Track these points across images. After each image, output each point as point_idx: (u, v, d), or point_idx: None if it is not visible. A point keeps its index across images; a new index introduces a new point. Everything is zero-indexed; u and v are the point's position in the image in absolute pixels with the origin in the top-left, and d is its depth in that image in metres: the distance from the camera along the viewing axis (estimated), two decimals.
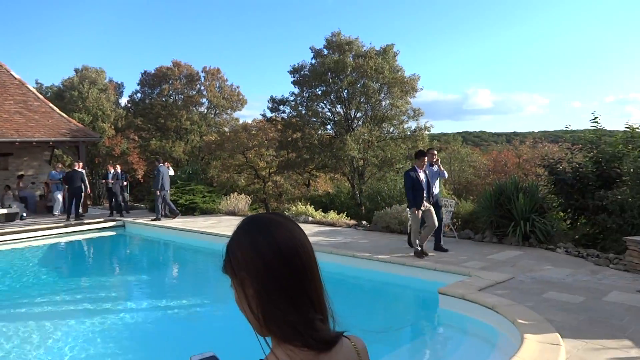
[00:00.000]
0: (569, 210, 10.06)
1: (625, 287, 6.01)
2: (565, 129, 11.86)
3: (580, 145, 10.59)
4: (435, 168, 8.67)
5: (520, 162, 27.85)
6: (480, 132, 75.13)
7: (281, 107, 24.51)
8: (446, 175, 9.13)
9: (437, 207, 8.46)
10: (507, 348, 4.32)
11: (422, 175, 8.00)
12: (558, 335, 4.29)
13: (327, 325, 1.01)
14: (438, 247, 8.52)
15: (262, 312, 0.96)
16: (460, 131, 70.29)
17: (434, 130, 26.54)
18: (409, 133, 23.45)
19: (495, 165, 30.09)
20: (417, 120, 23.42)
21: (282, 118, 24.54)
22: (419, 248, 7.87)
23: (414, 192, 7.83)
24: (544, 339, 4.19)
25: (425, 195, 7.93)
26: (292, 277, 0.97)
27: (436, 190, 8.52)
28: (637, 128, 9.84)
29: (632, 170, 8.39)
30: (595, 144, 9.99)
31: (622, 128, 10.40)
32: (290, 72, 24.15)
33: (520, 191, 9.36)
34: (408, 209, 7.95)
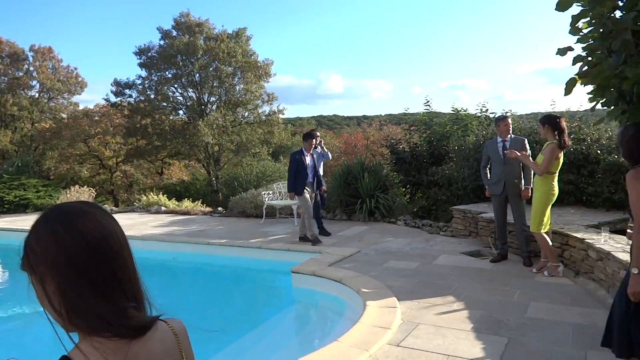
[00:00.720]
0: (408, 185, 11.09)
1: (451, 251, 6.85)
2: (405, 111, 12.94)
3: (416, 127, 11.72)
4: (319, 149, 8.43)
5: (369, 143, 29.79)
6: (334, 115, 78.63)
7: (127, 91, 22.79)
8: (330, 156, 8.83)
9: (324, 192, 8.34)
10: (352, 316, 4.63)
11: (308, 159, 7.77)
12: (395, 299, 4.74)
13: (143, 312, 0.99)
14: (322, 232, 8.22)
15: (65, 307, 0.90)
16: (315, 115, 72.79)
17: (289, 115, 27.17)
18: (264, 117, 23.60)
19: (346, 147, 31.82)
20: (271, 104, 23.67)
21: (129, 103, 22.83)
22: (314, 233, 7.66)
23: (297, 175, 7.60)
24: (383, 304, 4.59)
25: (310, 180, 7.76)
26: (100, 268, 0.93)
27: (320, 172, 8.27)
28: (461, 110, 11.18)
29: (456, 147, 9.52)
30: (428, 125, 11.12)
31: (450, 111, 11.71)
32: (136, 53, 22.56)
33: (365, 171, 10.06)
34: (297, 196, 7.68)
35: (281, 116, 24.62)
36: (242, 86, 22.83)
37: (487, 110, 11.07)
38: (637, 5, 2.04)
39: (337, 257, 6.56)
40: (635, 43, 2.18)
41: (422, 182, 10.58)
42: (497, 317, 4.28)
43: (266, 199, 10.13)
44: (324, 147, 8.66)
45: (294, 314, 5.63)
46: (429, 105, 11.60)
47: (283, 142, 26.42)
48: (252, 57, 22.95)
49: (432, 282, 5.42)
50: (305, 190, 7.68)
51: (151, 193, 14.10)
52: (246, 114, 23.78)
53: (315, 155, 7.97)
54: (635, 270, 2.44)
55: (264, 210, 10.15)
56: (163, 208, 12.59)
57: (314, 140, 7.81)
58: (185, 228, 9.81)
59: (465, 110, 11.20)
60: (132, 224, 10.39)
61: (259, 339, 5.01)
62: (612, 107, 2.81)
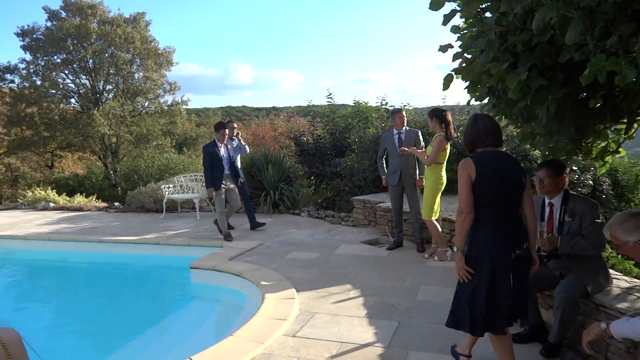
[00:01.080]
0: (312, 177, 11.24)
1: (351, 240, 7.04)
2: (309, 104, 13.11)
3: (319, 119, 11.89)
4: (236, 142, 8.03)
5: (276, 135, 29.78)
6: (243, 106, 77.39)
7: (8, 76, 20.69)
8: (247, 149, 8.47)
9: (241, 183, 7.74)
10: (252, 309, 4.57)
11: (222, 151, 7.26)
12: (294, 290, 4.77)
13: None
14: (255, 225, 7.92)
15: None
16: (224, 106, 71.20)
17: (197, 105, 26.47)
18: (166, 107, 22.63)
19: (254, 138, 31.56)
20: (174, 94, 22.74)
21: (11, 89, 20.74)
22: (228, 230, 7.28)
23: (213, 170, 7.11)
24: (282, 295, 4.61)
25: (227, 172, 7.32)
26: None
27: (238, 165, 7.75)
28: (362, 103, 11.52)
29: (357, 139, 9.79)
30: (330, 118, 11.33)
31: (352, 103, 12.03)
32: (18, 34, 20.50)
33: (269, 163, 10.01)
34: (207, 189, 7.22)
35: (186, 107, 23.78)
36: (141, 74, 21.67)
37: (387, 103, 11.53)
38: (500, 8, 2.19)
39: (239, 250, 6.47)
40: (499, 43, 2.35)
41: (325, 173, 10.77)
42: (390, 302, 4.47)
43: (166, 193, 9.72)
44: (241, 140, 8.31)
45: (193, 311, 5.46)
46: (331, 98, 11.82)
47: (187, 134, 25.54)
48: (152, 44, 21.86)
49: (331, 271, 5.53)
50: (222, 186, 7.23)
51: (38, 188, 12.94)
52: (146, 103, 22.67)
53: (230, 147, 7.53)
54: (456, 250, 2.78)
55: (164, 205, 9.74)
56: (52, 204, 11.60)
57: (226, 130, 7.33)
58: (76, 225, 9.12)
59: (366, 103, 11.56)
60: (14, 223, 9.46)
61: (155, 338, 4.81)
62: (485, 102, 3.02)
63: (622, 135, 3.67)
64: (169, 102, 22.79)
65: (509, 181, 2.78)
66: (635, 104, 2.01)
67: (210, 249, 6.71)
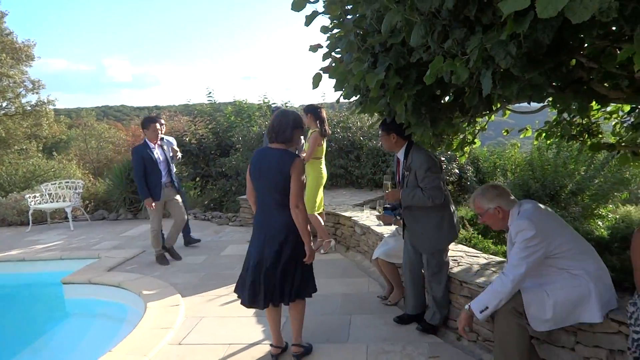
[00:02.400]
0: (197, 178, 10.93)
1: (239, 240, 6.99)
2: (188, 102, 12.71)
3: (201, 118, 11.57)
4: (169, 142, 6.54)
5: None
6: (122, 106, 72.90)
7: None
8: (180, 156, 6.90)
9: (180, 191, 6.32)
10: (135, 320, 4.35)
11: (157, 152, 5.86)
12: (179, 296, 4.63)
13: None
14: (190, 241, 6.84)
15: None
16: (100, 105, 66.41)
17: (67, 105, 24.16)
18: (29, 108, 20.47)
19: (134, 140, 29.78)
20: (38, 93, 20.63)
21: None
22: (163, 251, 6.05)
23: (149, 176, 5.73)
24: (166, 303, 4.44)
25: (164, 179, 5.89)
26: None
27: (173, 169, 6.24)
28: (242, 102, 11.44)
29: (241, 138, 9.71)
30: (213, 117, 11.09)
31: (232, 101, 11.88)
32: None
33: None
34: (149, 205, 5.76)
35: (53, 107, 21.68)
36: None
37: (269, 101, 11.57)
38: (357, 12, 2.32)
39: (119, 260, 6.10)
40: (360, 44, 2.48)
41: (211, 174, 10.54)
42: None
43: (32, 203, 8.82)
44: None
45: (67, 329, 5.02)
46: (211, 96, 11.59)
47: (57, 136, 23.37)
48: (9, 37, 19.61)
49: (219, 273, 5.45)
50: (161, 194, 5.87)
51: None
52: (4, 103, 20.29)
53: (166, 147, 6.12)
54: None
55: (29, 217, 8.83)
56: None
57: (157, 124, 5.88)
58: None
59: (246, 101, 11.50)
60: None
61: None
62: (352, 100, 3.17)
63: (476, 128, 4.10)
64: (33, 102, 20.64)
65: (267, 173, 3.12)
66: (474, 100, 2.25)
67: (85, 261, 6.25)
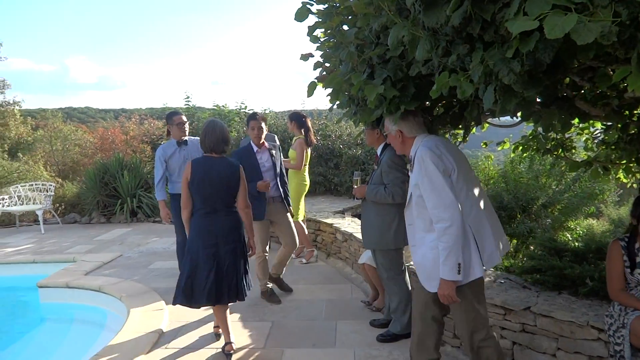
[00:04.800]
0: None
1: None
2: (164, 106, 12.58)
3: None
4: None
5: (128, 139, 27.90)
6: (87, 108, 71.16)
7: None
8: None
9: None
10: (115, 325, 4.30)
11: (263, 157, 4.57)
12: (163, 301, 4.58)
13: None
14: None
15: None
16: (64, 107, 64.72)
17: (30, 106, 23.43)
18: None
19: (102, 142, 29.05)
20: (2, 93, 19.99)
21: None
22: (269, 285, 4.70)
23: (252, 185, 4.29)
24: (149, 308, 4.40)
25: (273, 193, 4.59)
26: None
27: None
28: (222, 107, 11.42)
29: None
30: (190, 121, 11.01)
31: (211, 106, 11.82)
32: None
33: (125, 169, 9.40)
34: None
35: (19, 107, 21.01)
36: None
37: (247, 107, 11.58)
38: (357, 23, 2.41)
39: (96, 264, 5.99)
40: (357, 54, 2.57)
41: None
42: (263, 304, 4.54)
43: (0, 206, 8.55)
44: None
45: (43, 335, 4.89)
46: (189, 100, 11.52)
47: (22, 137, 22.65)
48: None
49: None
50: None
51: None
52: None
53: (275, 152, 4.76)
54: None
55: None
56: None
57: (260, 124, 4.53)
58: None
59: (225, 106, 11.48)
60: None
61: None
62: (346, 109, 3.26)
63: (459, 140, 4.25)
64: None
65: (218, 181, 3.36)
66: (474, 113, 2.37)
67: (60, 265, 6.12)
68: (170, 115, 5.01)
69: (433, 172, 2.38)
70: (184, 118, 5.05)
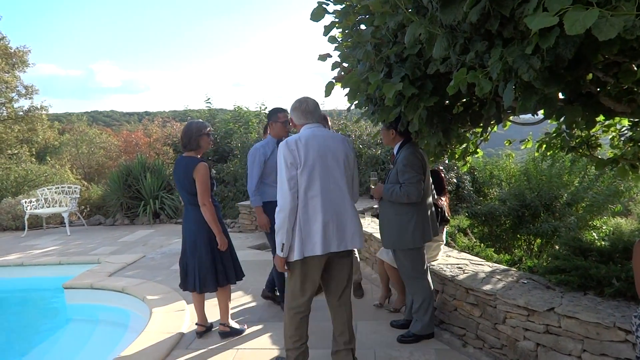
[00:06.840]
0: None
1: (239, 246, 6.96)
2: (186, 108, 12.75)
3: None
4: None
5: (151, 141, 28.31)
6: (111, 111, 72.71)
7: None
8: None
9: None
10: (138, 326, 4.36)
11: None
12: (184, 301, 4.63)
13: None
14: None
15: None
16: (89, 111, 66.17)
17: (57, 110, 23.98)
18: (21, 113, 20.34)
19: (126, 145, 29.54)
20: (31, 98, 20.51)
21: None
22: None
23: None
24: (171, 308, 4.45)
25: None
26: None
27: None
28: (242, 108, 11.50)
29: (239, 144, 9.74)
30: (211, 123, 11.12)
31: (232, 108, 11.92)
32: None
33: (147, 171, 9.55)
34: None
35: (45, 112, 21.54)
36: None
37: (266, 108, 11.65)
38: (374, 22, 2.39)
39: (119, 265, 6.10)
40: (375, 53, 2.56)
41: None
42: (283, 303, 4.54)
43: (28, 208, 8.77)
44: None
45: (70, 335, 5.00)
46: (210, 103, 11.63)
47: (49, 142, 23.22)
48: (2, 42, 19.50)
49: None
50: None
51: None
52: None
53: None
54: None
55: (25, 221, 8.77)
56: None
57: (287, 116, 4.15)
58: None
59: (247, 108, 11.57)
60: None
61: None
62: (364, 108, 3.24)
63: (479, 138, 4.19)
64: (26, 107, 20.49)
65: (180, 178, 3.57)
66: (492, 111, 2.33)
67: (85, 266, 6.24)
68: (275, 112, 4.32)
69: (280, 164, 2.76)
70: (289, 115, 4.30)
